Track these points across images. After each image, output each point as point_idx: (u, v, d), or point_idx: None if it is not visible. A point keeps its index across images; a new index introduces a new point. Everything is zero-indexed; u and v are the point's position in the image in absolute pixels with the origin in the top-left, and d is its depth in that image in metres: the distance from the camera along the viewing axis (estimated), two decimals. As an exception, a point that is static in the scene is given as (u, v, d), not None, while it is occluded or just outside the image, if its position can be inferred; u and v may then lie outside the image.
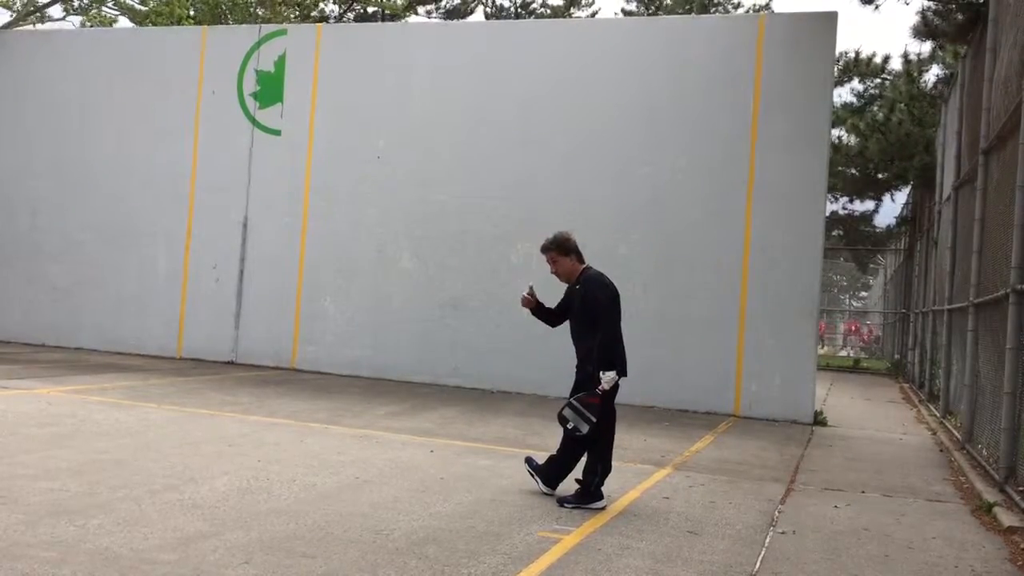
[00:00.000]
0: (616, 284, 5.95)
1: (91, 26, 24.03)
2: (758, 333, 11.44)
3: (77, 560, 4.04)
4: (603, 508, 5.76)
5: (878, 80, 23.16)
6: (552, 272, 6.11)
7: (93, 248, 14.75)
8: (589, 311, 5.83)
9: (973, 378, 8.91)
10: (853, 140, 22.60)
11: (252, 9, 22.11)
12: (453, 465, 6.91)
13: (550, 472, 6.07)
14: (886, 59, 22.83)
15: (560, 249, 5.98)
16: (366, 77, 13.45)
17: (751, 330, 11.47)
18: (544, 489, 6.06)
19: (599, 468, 5.82)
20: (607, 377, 5.63)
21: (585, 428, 5.69)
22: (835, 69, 16.74)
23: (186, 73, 14.40)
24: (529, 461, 6.28)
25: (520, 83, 12.72)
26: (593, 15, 30.74)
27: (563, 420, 5.79)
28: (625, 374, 5.83)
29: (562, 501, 5.81)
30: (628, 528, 5.32)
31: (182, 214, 14.31)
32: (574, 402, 5.73)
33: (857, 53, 22.67)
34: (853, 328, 41.32)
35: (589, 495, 5.79)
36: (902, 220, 25.37)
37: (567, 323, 6.12)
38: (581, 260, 6.01)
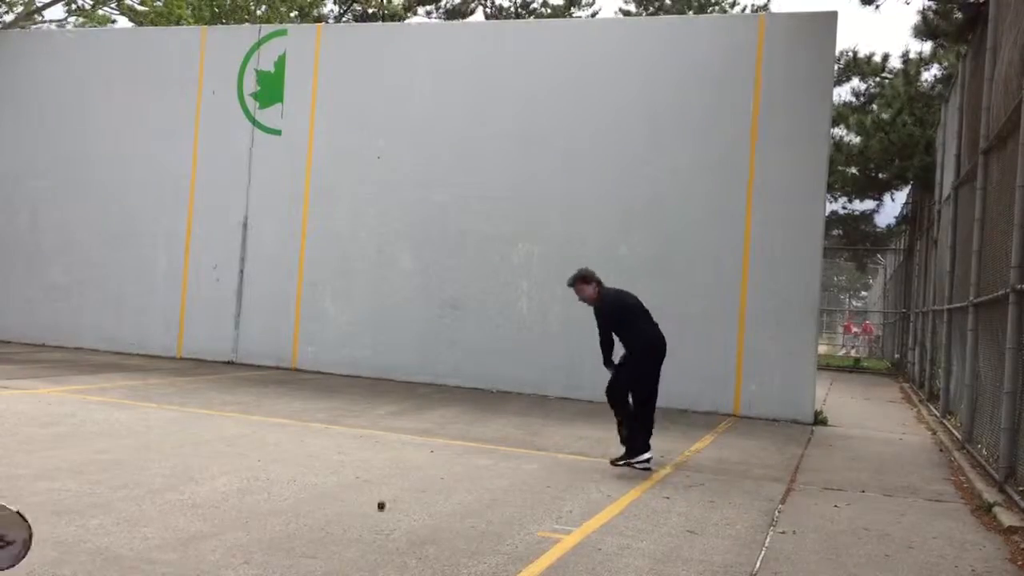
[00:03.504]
0: (616, 284, 7.19)
1: (91, 26, 24.01)
2: (758, 333, 11.43)
3: (77, 560, 4.04)
4: (647, 461, 6.94)
5: (878, 79, 23.12)
6: (580, 299, 7.54)
7: (93, 248, 14.75)
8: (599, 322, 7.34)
9: (973, 378, 8.90)
10: (855, 139, 22.56)
11: (250, 8, 22.09)
12: (453, 465, 6.91)
13: (632, 443, 7.03)
14: (886, 58, 22.81)
15: (583, 279, 7.42)
16: (366, 77, 13.45)
17: (751, 330, 11.47)
18: (647, 457, 6.99)
19: (624, 422, 7.07)
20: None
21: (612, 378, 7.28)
22: (835, 69, 16.73)
23: (186, 73, 14.39)
24: (615, 463, 7.12)
25: (520, 83, 12.72)
26: (593, 15, 30.72)
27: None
28: (664, 353, 7.36)
29: (614, 461, 7.07)
30: (628, 528, 5.32)
31: (182, 214, 14.31)
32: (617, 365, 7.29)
33: (867, 54, 22.66)
34: (863, 329, 41.00)
35: (631, 451, 6.98)
36: (902, 220, 25.35)
37: (583, 333, 7.70)
38: (599, 286, 7.41)
